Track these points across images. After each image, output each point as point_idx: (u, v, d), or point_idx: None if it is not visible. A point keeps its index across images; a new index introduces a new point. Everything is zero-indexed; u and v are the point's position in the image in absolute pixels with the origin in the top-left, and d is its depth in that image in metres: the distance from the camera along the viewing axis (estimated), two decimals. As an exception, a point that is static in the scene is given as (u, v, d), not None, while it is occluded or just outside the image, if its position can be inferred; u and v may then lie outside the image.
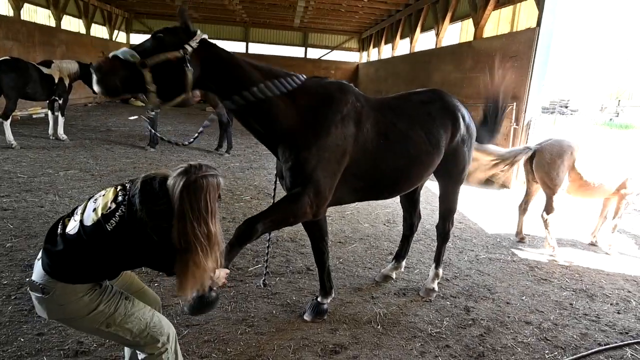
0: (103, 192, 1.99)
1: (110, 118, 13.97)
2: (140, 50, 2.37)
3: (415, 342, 3.18)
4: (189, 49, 2.42)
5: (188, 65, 2.42)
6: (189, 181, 1.81)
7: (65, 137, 9.36)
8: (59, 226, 1.95)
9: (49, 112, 9.37)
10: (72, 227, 1.90)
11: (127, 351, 2.38)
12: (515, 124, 8.46)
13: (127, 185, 1.95)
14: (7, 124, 8.00)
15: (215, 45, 2.63)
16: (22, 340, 2.79)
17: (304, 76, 2.91)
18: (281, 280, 3.96)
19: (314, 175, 2.75)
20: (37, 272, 1.89)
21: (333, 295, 3.50)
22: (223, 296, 3.54)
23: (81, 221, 1.89)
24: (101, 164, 7.73)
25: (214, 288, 2.30)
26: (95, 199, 1.96)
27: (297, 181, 2.78)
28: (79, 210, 1.96)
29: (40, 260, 1.91)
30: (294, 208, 2.74)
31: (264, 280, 3.65)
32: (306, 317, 3.35)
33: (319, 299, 3.41)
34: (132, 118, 14.14)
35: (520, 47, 8.48)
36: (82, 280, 1.88)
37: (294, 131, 2.76)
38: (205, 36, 2.56)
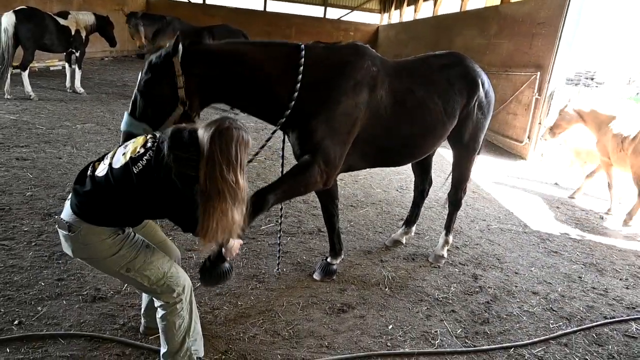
0: (134, 140, 2.01)
1: (127, 73, 13.92)
2: (145, 118, 2.41)
3: (421, 306, 3.24)
4: (183, 93, 2.40)
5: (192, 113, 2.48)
6: (222, 127, 1.82)
7: (82, 90, 9.39)
8: (89, 169, 2.01)
9: (66, 65, 9.36)
10: (102, 169, 1.94)
11: (144, 297, 2.48)
12: (537, 94, 8.23)
13: (158, 135, 1.97)
14: (25, 75, 8.03)
15: (199, 52, 2.49)
16: (42, 284, 2.91)
17: (304, 44, 2.78)
18: (292, 240, 4.03)
19: (323, 144, 2.72)
20: (66, 211, 1.96)
21: (342, 256, 3.56)
22: (235, 252, 3.62)
23: (110, 164, 1.93)
24: (117, 119, 7.78)
25: (228, 259, 2.32)
26: (126, 145, 1.99)
27: (306, 149, 2.76)
28: (110, 155, 2.00)
29: (69, 200, 1.97)
30: (305, 178, 2.73)
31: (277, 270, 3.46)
32: (316, 276, 3.42)
33: (328, 260, 3.47)
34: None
35: (549, 13, 8.12)
36: (106, 223, 1.94)
37: (302, 100, 2.68)
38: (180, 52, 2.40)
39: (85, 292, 2.88)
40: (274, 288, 3.24)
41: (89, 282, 2.98)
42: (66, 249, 2.01)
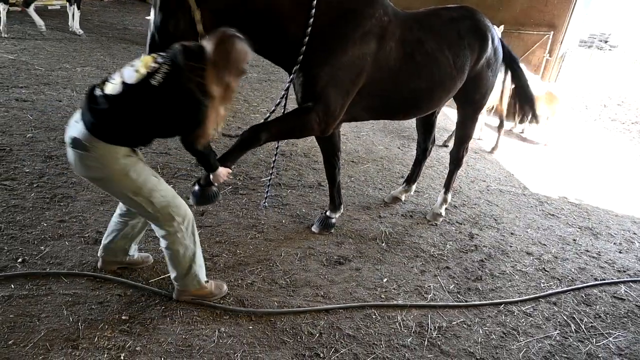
0: (136, 60, 2.05)
1: (127, 16, 13.47)
2: None
3: (416, 261, 3.30)
4: (201, 28, 2.36)
5: None
6: (226, 35, 2.02)
7: (81, 31, 9.11)
8: (96, 90, 2.02)
9: (67, 4, 9.05)
10: (114, 88, 1.98)
11: (109, 233, 2.55)
12: (548, 55, 8.01)
13: (162, 53, 2.05)
14: (31, 10, 7.87)
15: None
16: (44, 225, 2.95)
17: None
18: (292, 193, 4.05)
19: (325, 93, 2.68)
20: (79, 130, 1.98)
21: (342, 210, 3.59)
22: (235, 202, 3.66)
23: (123, 82, 1.96)
24: (118, 63, 7.60)
25: (215, 184, 2.47)
26: (132, 65, 2.03)
27: (308, 97, 2.73)
28: (115, 75, 2.03)
29: (80, 122, 1.99)
30: (301, 123, 2.73)
31: (264, 203, 3.67)
32: (314, 229, 3.47)
33: (327, 213, 3.50)
34: (149, 18, 13.64)
35: (569, -32, 7.75)
36: (123, 141, 2.02)
37: (309, 46, 2.62)
38: None
39: (87, 235, 2.93)
40: (272, 238, 3.29)
41: (91, 225, 3.03)
42: (79, 169, 2.07)
